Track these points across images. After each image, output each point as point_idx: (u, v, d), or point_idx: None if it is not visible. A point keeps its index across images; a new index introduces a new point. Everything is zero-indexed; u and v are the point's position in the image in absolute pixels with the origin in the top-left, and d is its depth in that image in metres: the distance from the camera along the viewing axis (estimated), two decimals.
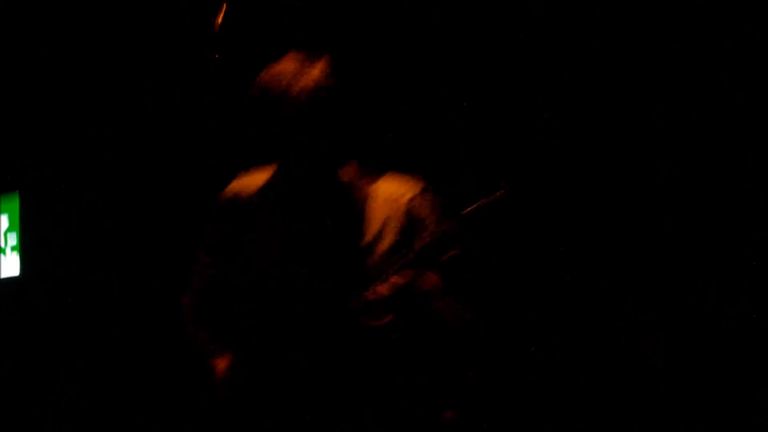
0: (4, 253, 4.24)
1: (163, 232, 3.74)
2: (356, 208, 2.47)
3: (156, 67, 3.82)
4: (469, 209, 2.28)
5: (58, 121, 3.87)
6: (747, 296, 3.41)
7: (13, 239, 4.23)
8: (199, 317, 2.52)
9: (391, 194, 2.50)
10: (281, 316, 2.42)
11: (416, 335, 2.41)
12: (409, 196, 2.50)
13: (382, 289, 2.31)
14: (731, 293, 3.44)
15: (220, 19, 2.73)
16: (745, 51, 3.39)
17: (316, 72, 2.39)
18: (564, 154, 3.50)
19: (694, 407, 3.42)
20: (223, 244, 2.52)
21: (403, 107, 3.68)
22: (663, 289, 3.50)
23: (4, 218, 4.23)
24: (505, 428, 3.51)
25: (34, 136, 3.95)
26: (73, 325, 3.89)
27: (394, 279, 2.31)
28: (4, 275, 4.29)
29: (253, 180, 2.54)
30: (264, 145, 2.43)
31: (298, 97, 2.36)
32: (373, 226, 2.45)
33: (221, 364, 2.43)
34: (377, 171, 2.55)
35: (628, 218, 3.53)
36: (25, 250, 4.19)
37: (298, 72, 2.38)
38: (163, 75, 3.81)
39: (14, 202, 4.21)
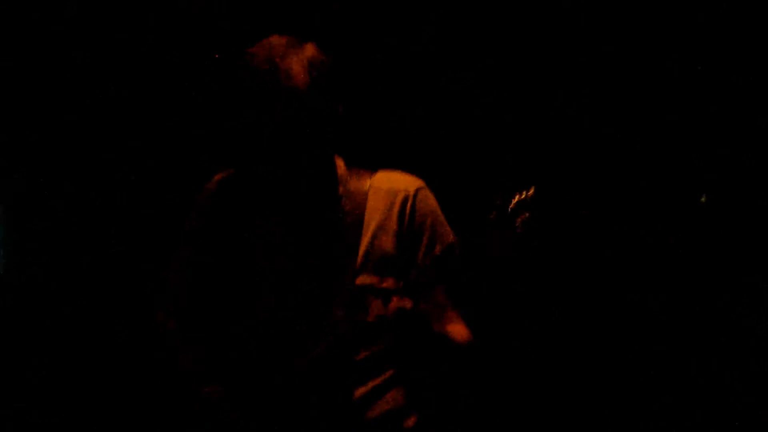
0: None
1: (156, 228, 3.69)
2: (349, 205, 2.24)
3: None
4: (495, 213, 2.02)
5: (42, 107, 3.84)
6: (748, 297, 3.43)
7: None
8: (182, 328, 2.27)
9: (389, 190, 2.28)
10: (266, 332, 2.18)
11: (417, 364, 2.23)
12: (410, 193, 2.29)
13: (381, 311, 2.04)
14: (732, 294, 3.46)
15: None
16: (746, 51, 3.42)
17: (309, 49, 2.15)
18: (566, 154, 3.51)
19: (694, 407, 3.45)
20: (203, 243, 2.26)
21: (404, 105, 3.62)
22: (664, 289, 3.52)
23: None
24: (506, 428, 3.53)
25: (17, 121, 3.90)
26: (60, 324, 3.87)
27: (397, 301, 2.03)
28: None
29: (232, 175, 2.30)
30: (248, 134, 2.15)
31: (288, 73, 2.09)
32: (371, 226, 2.23)
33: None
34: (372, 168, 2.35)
35: (629, 218, 3.54)
36: (7, 245, 4.06)
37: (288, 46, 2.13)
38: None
39: None
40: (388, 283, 2.13)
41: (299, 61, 2.10)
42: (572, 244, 3.52)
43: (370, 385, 2.19)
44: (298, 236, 2.21)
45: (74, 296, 3.79)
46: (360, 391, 2.18)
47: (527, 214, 2.01)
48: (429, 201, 2.30)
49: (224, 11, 2.21)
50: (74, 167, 3.81)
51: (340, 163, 2.30)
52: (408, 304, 2.01)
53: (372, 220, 2.23)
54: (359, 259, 2.19)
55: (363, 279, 2.18)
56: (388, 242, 2.22)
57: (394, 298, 2.01)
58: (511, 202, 2.02)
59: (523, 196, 2.02)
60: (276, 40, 2.14)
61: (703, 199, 3.39)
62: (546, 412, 3.52)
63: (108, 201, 3.80)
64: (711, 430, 3.40)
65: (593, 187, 3.50)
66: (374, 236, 2.22)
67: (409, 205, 2.25)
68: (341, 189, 2.26)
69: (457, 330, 2.23)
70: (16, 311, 3.88)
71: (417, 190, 2.28)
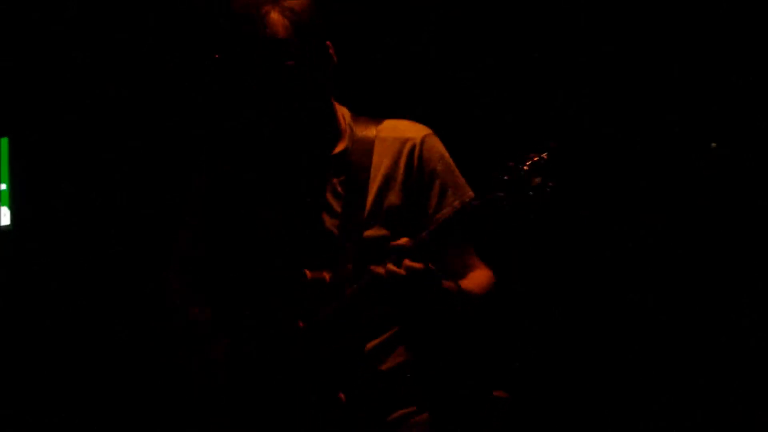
0: None
1: (156, 228, 3.69)
2: (356, 155, 2.20)
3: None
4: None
5: (52, 62, 3.83)
6: (748, 297, 3.43)
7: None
8: (189, 295, 2.26)
9: (395, 139, 2.22)
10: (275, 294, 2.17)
11: (424, 322, 2.19)
12: (417, 141, 2.22)
13: (396, 265, 1.96)
14: (732, 294, 3.46)
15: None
16: (746, 51, 3.41)
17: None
18: (566, 154, 3.50)
19: (694, 407, 3.45)
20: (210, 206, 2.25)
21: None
22: (664, 289, 3.52)
23: None
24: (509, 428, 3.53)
25: (26, 77, 3.88)
26: (68, 280, 3.85)
27: (409, 263, 1.96)
28: None
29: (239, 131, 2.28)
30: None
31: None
32: (378, 176, 2.19)
33: (218, 345, 2.18)
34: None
35: (629, 218, 3.54)
36: (15, 199, 4.01)
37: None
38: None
39: (2, 149, 4.01)
40: (400, 240, 2.03)
41: (277, 9, 2.08)
42: (572, 244, 3.52)
43: (378, 340, 2.16)
44: (301, 190, 2.18)
45: (74, 296, 3.80)
46: (369, 345, 2.15)
47: (541, 179, 1.93)
48: (437, 148, 2.23)
49: (224, 11, 2.22)
50: (74, 167, 3.82)
51: (345, 112, 2.27)
52: (419, 265, 1.96)
53: (379, 171, 2.19)
54: (367, 210, 2.15)
55: (372, 232, 2.15)
56: (396, 193, 2.18)
57: (406, 261, 1.96)
58: (525, 164, 1.94)
59: (538, 159, 1.93)
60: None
61: (714, 145, 3.35)
62: (546, 412, 3.52)
63: (108, 201, 3.80)
64: (711, 430, 3.40)
65: (593, 187, 3.50)
66: (382, 187, 2.18)
67: (416, 153, 2.20)
68: (347, 139, 2.22)
69: (477, 280, 2.19)
70: (16, 310, 3.89)
71: (424, 138, 2.23)
